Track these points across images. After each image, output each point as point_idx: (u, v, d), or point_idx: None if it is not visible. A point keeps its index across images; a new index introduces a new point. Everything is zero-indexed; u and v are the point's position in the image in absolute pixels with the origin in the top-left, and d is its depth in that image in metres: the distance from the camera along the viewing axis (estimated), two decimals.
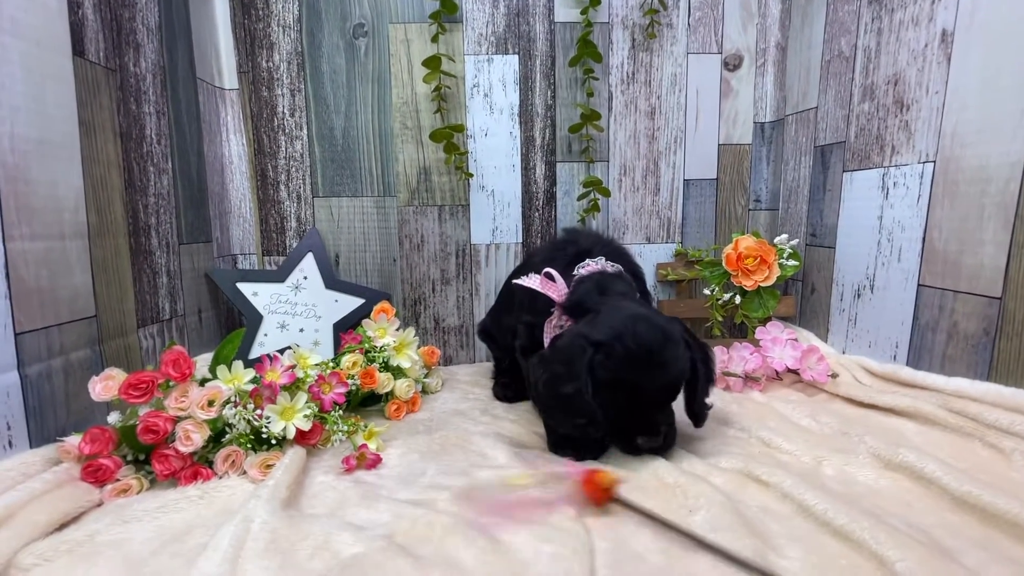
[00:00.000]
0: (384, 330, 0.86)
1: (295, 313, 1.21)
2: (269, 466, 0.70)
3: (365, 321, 0.84)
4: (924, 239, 0.91)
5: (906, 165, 0.94)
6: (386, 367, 0.97)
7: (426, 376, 1.09)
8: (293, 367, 0.78)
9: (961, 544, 0.53)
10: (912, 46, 0.92)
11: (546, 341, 0.85)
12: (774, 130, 1.33)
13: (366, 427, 0.81)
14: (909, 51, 0.92)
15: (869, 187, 1.02)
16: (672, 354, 0.71)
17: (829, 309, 1.15)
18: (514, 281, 0.90)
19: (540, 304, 0.85)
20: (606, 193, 1.25)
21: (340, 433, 0.77)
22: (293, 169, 1.27)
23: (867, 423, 0.83)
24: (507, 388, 1.07)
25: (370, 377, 0.90)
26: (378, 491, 0.69)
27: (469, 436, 0.86)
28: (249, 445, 0.73)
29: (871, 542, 0.52)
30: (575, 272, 0.84)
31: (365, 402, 0.99)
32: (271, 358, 0.78)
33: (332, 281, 1.24)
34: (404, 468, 0.76)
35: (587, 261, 0.85)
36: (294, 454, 0.73)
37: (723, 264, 1.19)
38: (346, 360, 0.90)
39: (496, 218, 1.32)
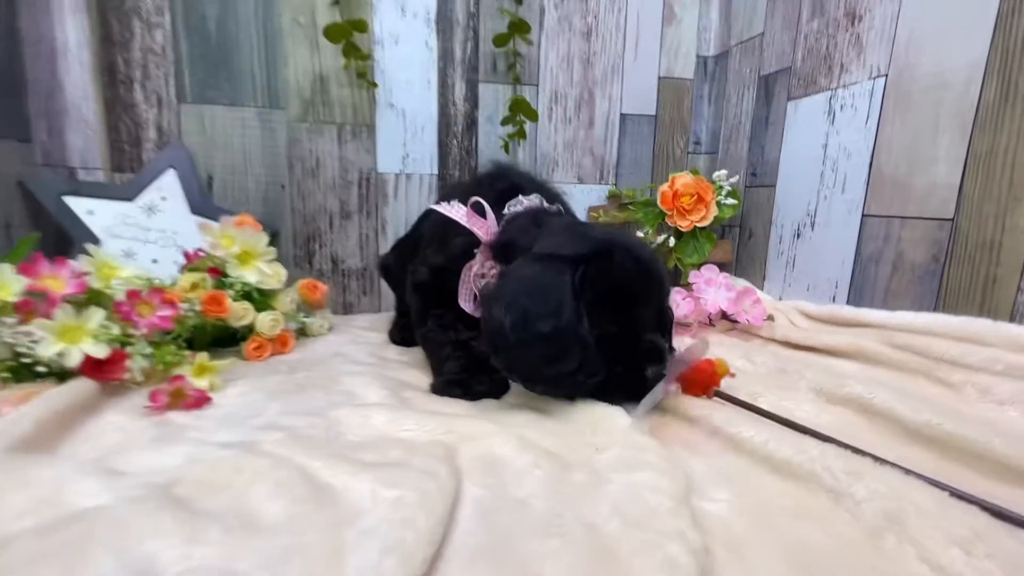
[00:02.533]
0: (231, 239, 0.66)
1: (147, 240, 0.98)
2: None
3: (201, 223, 0.64)
4: (871, 164, 0.82)
5: (855, 84, 0.85)
6: (247, 297, 0.77)
7: (306, 316, 0.90)
8: (86, 274, 0.58)
9: None
10: None
11: (462, 295, 0.67)
12: (717, 65, 1.22)
13: (194, 360, 0.61)
14: None
15: (814, 114, 0.93)
16: (662, 265, 0.60)
17: (767, 254, 1.06)
18: (431, 207, 0.73)
19: (456, 244, 0.68)
20: (533, 116, 1.09)
21: (140, 360, 0.58)
22: (152, 65, 1.03)
23: (806, 363, 0.73)
24: (406, 330, 0.90)
25: (217, 304, 0.71)
26: (184, 433, 0.51)
27: (340, 377, 0.68)
28: (7, 374, 0.52)
29: (823, 475, 0.40)
30: (505, 211, 0.68)
31: (223, 341, 0.79)
32: (52, 260, 0.57)
33: (201, 205, 1.02)
34: (238, 408, 0.58)
35: (520, 198, 0.69)
36: (71, 387, 0.53)
37: (658, 203, 1.07)
38: (184, 279, 0.70)
39: (407, 143, 1.14)
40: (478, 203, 0.68)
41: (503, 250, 0.64)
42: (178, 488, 0.40)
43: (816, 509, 0.39)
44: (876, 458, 0.41)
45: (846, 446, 0.44)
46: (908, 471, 0.40)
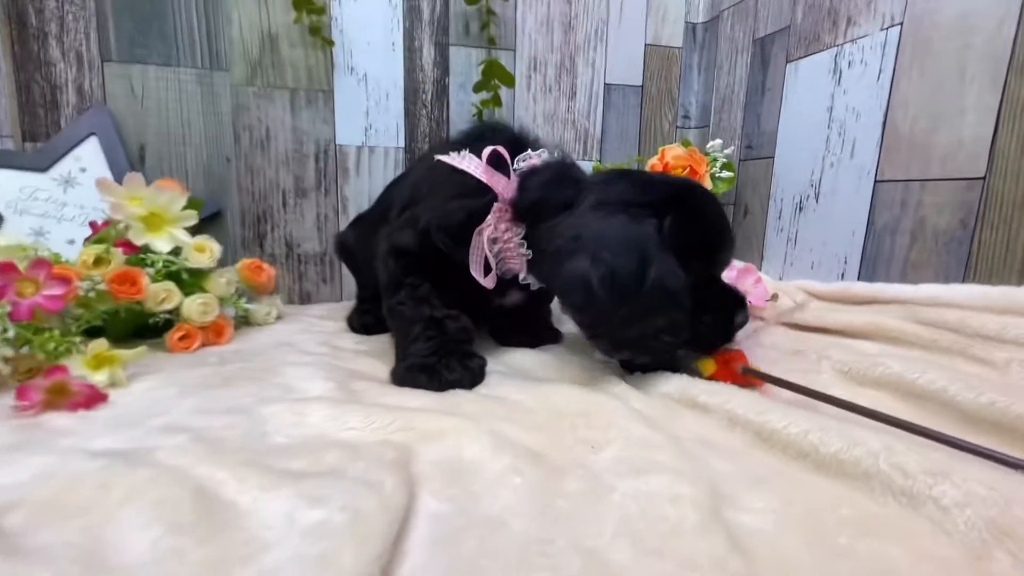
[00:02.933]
0: (139, 200, 0.54)
1: (61, 217, 0.84)
2: None
3: (99, 179, 0.51)
4: (884, 124, 0.74)
5: (864, 37, 0.76)
6: (173, 278, 0.65)
7: (248, 302, 0.78)
8: None
9: None
10: None
11: (473, 263, 0.55)
12: (707, 32, 1.13)
13: (87, 350, 0.49)
14: None
15: (818, 74, 0.85)
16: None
17: (765, 231, 0.97)
18: (438, 157, 0.58)
19: (464, 205, 0.56)
20: (509, 81, 0.99)
21: (4, 347, 0.45)
22: (69, 17, 0.89)
23: (824, 343, 0.64)
24: (366, 315, 0.79)
25: (129, 283, 0.58)
26: (54, 439, 0.39)
27: (280, 368, 0.57)
28: None
29: (892, 473, 0.30)
30: (514, 167, 0.56)
31: (149, 333, 0.66)
32: None
33: None
34: (139, 406, 0.46)
35: (529, 152, 0.57)
36: None
37: None
38: (86, 252, 0.57)
39: (370, 112, 1.02)
40: (496, 153, 0.55)
41: (531, 209, 0.54)
42: (11, 516, 0.28)
43: (888, 520, 0.29)
44: (971, 449, 0.32)
45: (925, 432, 0.34)
46: (1014, 461, 0.30)
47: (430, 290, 0.59)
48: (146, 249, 0.64)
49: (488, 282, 0.56)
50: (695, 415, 0.44)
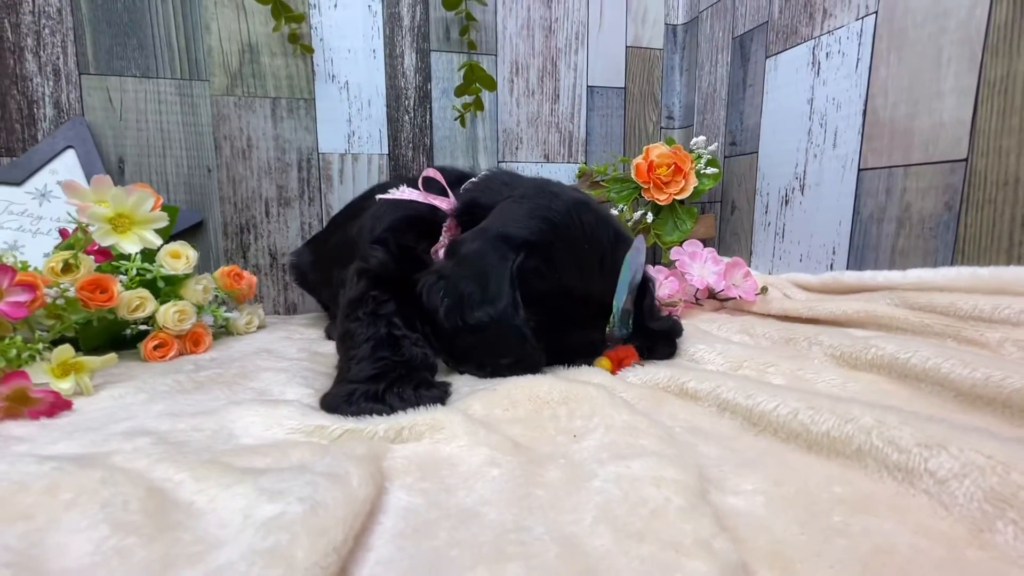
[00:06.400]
0: (106, 201, 0.52)
1: (37, 231, 0.82)
2: None
3: (65, 181, 0.50)
4: (865, 112, 0.73)
5: (840, 28, 0.77)
6: (149, 286, 0.63)
7: (228, 310, 0.76)
8: None
9: None
10: None
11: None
12: (687, 33, 1.14)
13: (52, 357, 0.47)
14: None
15: (797, 67, 0.85)
16: (623, 253, 0.52)
17: (752, 227, 0.97)
18: (379, 197, 0.62)
19: (412, 221, 0.60)
20: (491, 85, 0.99)
21: None
22: (46, 31, 0.88)
23: (815, 330, 0.63)
24: None
25: (99, 290, 0.56)
26: (7, 445, 0.37)
27: (256, 373, 0.55)
28: None
29: (886, 449, 0.29)
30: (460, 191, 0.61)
31: (125, 344, 0.64)
32: None
33: None
34: (104, 413, 0.44)
35: (472, 180, 0.62)
36: None
37: (633, 178, 0.98)
38: (54, 258, 0.55)
39: (353, 120, 1.02)
40: (430, 179, 0.60)
41: (466, 211, 0.57)
42: None
43: (883, 497, 0.28)
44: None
45: None
46: None
47: (394, 310, 0.52)
48: (119, 256, 0.63)
49: None
50: (683, 402, 0.43)
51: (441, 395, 0.45)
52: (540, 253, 0.50)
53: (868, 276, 0.69)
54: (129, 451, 0.35)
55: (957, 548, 0.24)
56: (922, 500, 0.27)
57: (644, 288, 0.59)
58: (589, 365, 0.53)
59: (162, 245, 0.61)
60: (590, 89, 1.12)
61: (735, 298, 0.81)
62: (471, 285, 0.49)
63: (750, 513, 0.27)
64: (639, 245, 0.55)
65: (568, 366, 0.53)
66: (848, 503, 0.27)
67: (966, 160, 0.61)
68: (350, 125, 1.02)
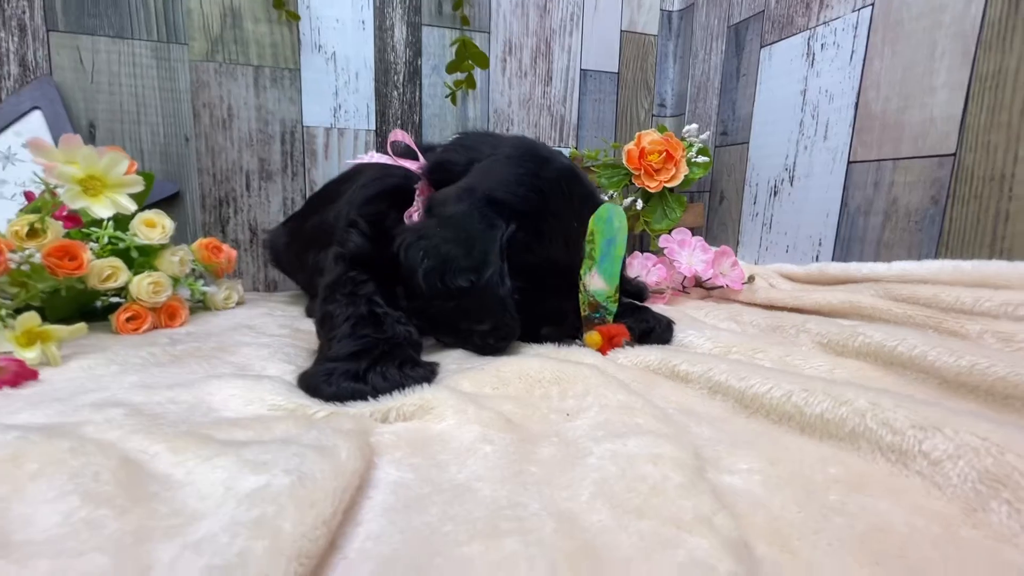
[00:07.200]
0: (76, 162, 0.49)
1: (0, 195, 0.78)
2: None
3: (31, 139, 0.46)
4: (857, 105, 0.74)
5: (836, 19, 0.77)
6: (122, 255, 0.60)
7: (206, 284, 0.73)
8: None
9: None
10: None
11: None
12: (682, 20, 1.13)
13: (16, 324, 0.45)
14: None
15: (791, 58, 0.85)
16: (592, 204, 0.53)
17: (740, 217, 0.97)
18: (346, 162, 0.62)
19: (385, 184, 0.59)
20: (483, 62, 0.96)
21: None
22: None
23: (802, 318, 0.63)
24: None
25: (68, 256, 0.53)
26: None
27: (236, 348, 0.53)
28: None
29: (880, 431, 0.29)
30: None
31: (95, 315, 0.62)
32: None
33: None
34: (73, 384, 0.42)
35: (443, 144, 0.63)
36: None
37: (624, 164, 0.97)
38: (17, 222, 0.52)
39: (339, 93, 0.98)
40: (397, 143, 0.60)
41: (438, 168, 0.56)
42: None
43: (878, 477, 0.28)
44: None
45: None
46: None
47: (374, 289, 0.50)
48: (90, 223, 0.60)
49: None
50: (674, 384, 0.42)
51: (427, 374, 0.42)
52: (529, 226, 0.50)
53: (853, 267, 0.70)
54: (100, 422, 0.33)
55: (952, 527, 0.24)
56: (915, 481, 0.27)
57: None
58: (573, 340, 0.53)
59: (136, 212, 0.58)
60: (583, 72, 1.11)
61: (722, 287, 0.82)
62: (456, 249, 0.48)
63: (747, 491, 0.27)
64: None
65: (539, 334, 0.53)
66: (843, 483, 0.27)
67: (954, 155, 0.62)
68: (336, 98, 0.98)
